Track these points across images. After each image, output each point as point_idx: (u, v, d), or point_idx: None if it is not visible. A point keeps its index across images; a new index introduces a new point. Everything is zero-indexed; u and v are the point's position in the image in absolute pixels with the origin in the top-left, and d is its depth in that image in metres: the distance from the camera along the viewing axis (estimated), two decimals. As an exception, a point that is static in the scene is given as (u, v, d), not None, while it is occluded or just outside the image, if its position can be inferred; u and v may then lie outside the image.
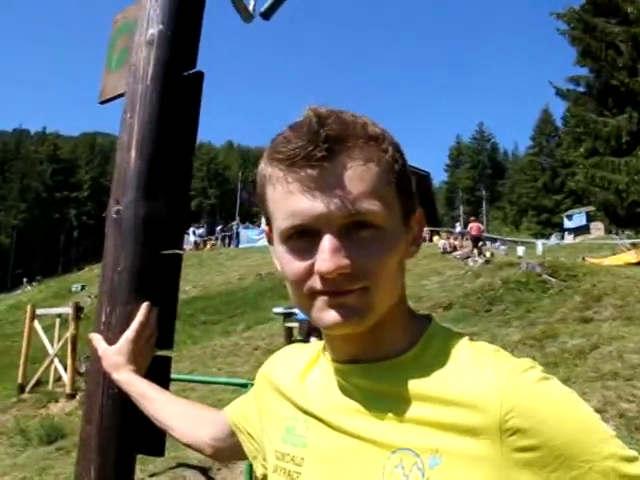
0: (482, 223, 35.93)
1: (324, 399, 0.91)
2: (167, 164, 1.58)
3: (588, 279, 12.79)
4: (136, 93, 1.60)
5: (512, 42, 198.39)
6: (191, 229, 41.57)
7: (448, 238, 28.36)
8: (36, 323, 12.39)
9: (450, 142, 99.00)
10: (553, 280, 13.34)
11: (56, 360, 11.57)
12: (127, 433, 1.48)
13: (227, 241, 39.93)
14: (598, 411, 3.63)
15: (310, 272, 0.81)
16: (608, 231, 33.01)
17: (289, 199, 0.81)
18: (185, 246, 37.23)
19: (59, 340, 11.69)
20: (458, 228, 36.49)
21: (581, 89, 26.11)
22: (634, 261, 19.54)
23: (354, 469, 0.82)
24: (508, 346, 9.15)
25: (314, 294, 0.82)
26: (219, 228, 44.16)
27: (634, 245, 22.86)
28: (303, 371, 0.99)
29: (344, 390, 0.89)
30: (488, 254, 22.82)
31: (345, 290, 0.80)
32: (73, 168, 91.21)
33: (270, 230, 0.91)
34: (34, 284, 45.47)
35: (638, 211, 22.14)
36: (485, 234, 33.58)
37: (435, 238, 31.11)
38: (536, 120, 79.31)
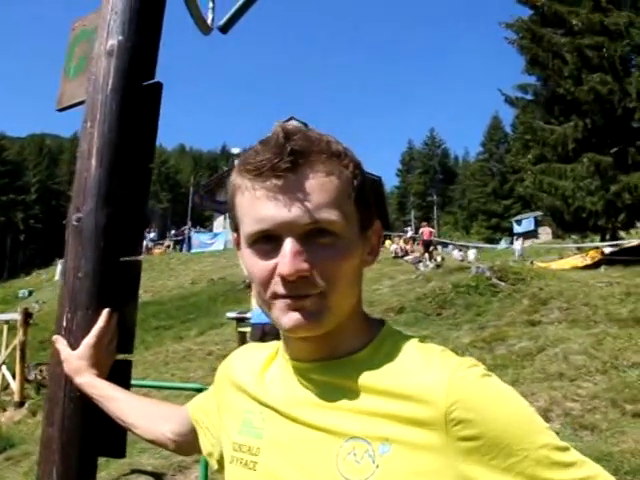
0: (433, 228, 36.40)
1: (281, 393, 0.96)
2: (127, 172, 1.62)
3: (535, 283, 13.13)
4: (96, 103, 1.63)
5: (463, 49, 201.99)
6: (142, 233, 41.02)
7: (400, 243, 28.66)
8: (-17, 330, 12.11)
9: (402, 147, 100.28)
10: (502, 284, 13.63)
11: (4, 368, 11.31)
12: (89, 435, 1.51)
13: (179, 245, 39.53)
14: (545, 410, 3.77)
15: (273, 273, 0.87)
16: (556, 235, 33.79)
17: (256, 206, 0.88)
18: (136, 251, 36.79)
19: (7, 347, 11.44)
20: (409, 232, 36.91)
21: (529, 97, 26.67)
22: (580, 265, 20.11)
23: (309, 456, 0.88)
24: (459, 348, 9.33)
25: (276, 297, 0.88)
26: (172, 232, 43.68)
27: (580, 249, 23.52)
28: (262, 368, 1.04)
29: (301, 385, 0.94)
30: (439, 258, 23.18)
31: (304, 294, 0.86)
32: (20, 170, 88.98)
33: (238, 236, 0.96)
34: (-21, 289, 44.20)
35: (583, 216, 22.71)
36: (436, 239, 34.09)
37: (387, 242, 31.38)
38: (486, 126, 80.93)
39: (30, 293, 31.02)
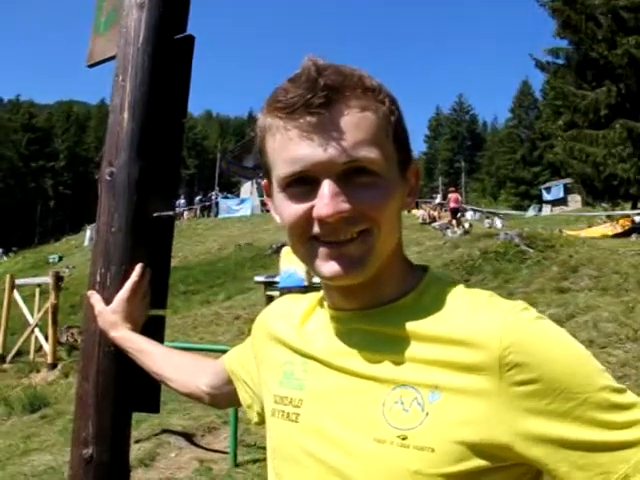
0: (461, 194, 36.04)
1: (324, 343, 0.94)
2: (159, 126, 1.60)
3: (565, 250, 12.96)
4: (128, 56, 1.61)
5: (492, 13, 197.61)
6: (170, 199, 41.24)
7: (427, 209, 28.48)
8: (15, 293, 12.33)
9: (430, 113, 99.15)
10: (531, 251, 13.50)
11: (37, 330, 11.53)
12: (123, 390, 1.52)
13: (206, 211, 39.72)
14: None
15: (309, 217, 0.84)
16: (586, 203, 33.31)
17: (289, 146, 0.83)
18: (164, 217, 37.08)
19: (39, 310, 11.64)
20: (437, 199, 36.62)
21: (560, 61, 26.08)
22: (610, 233, 19.80)
23: (354, 405, 0.85)
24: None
25: (314, 243, 0.85)
26: (198, 198, 43.88)
27: (610, 217, 23.17)
28: (301, 319, 1.02)
29: (343, 335, 0.92)
30: (467, 225, 23.00)
31: (345, 239, 0.83)
32: (49, 137, 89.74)
33: (269, 182, 0.93)
34: (10, 255, 44.99)
35: (614, 184, 22.34)
36: (464, 205, 33.81)
37: (414, 211, 31.23)
38: (516, 92, 79.49)
39: (60, 258, 31.46)
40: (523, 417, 0.76)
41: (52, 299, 11.00)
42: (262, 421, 1.07)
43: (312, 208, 0.83)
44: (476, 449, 0.77)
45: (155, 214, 1.58)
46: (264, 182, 0.96)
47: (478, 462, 0.77)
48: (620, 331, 7.33)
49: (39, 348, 11.51)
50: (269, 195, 0.95)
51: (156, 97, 1.59)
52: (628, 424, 0.75)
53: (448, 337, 0.82)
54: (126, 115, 1.57)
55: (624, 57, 21.41)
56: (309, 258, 0.87)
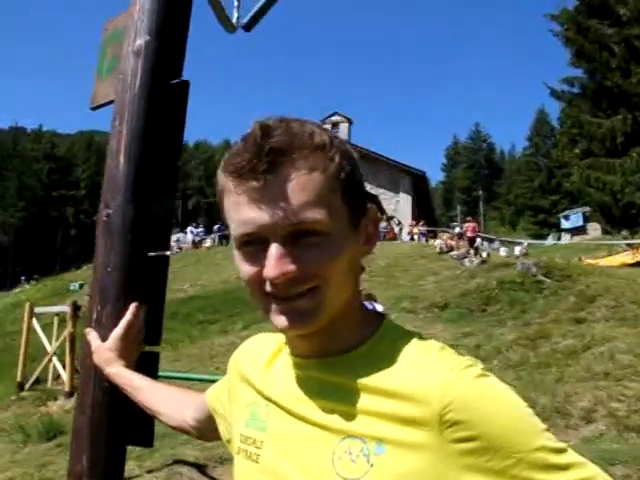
0: (479, 223, 35.92)
1: (284, 387, 0.97)
2: (154, 169, 1.66)
3: (582, 280, 12.87)
4: (124, 101, 1.68)
5: (508, 42, 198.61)
6: (189, 228, 41.55)
7: (445, 238, 28.40)
8: (34, 321, 12.48)
9: (447, 142, 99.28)
10: (548, 281, 13.42)
11: (55, 358, 11.65)
12: (117, 424, 1.56)
13: (225, 240, 39.92)
14: (589, 411, 3.70)
15: (261, 276, 0.87)
16: (605, 232, 33.06)
17: (239, 209, 0.87)
18: (183, 245, 37.33)
19: (57, 338, 11.76)
20: (457, 229, 36.54)
21: (575, 90, 26.22)
22: (630, 262, 19.63)
23: (308, 452, 0.89)
24: (502, 346, 9.25)
25: (268, 298, 0.89)
26: (216, 227, 44.15)
27: (630, 246, 22.97)
28: (267, 361, 1.05)
29: (301, 381, 0.95)
30: (484, 254, 22.90)
31: (295, 294, 0.87)
32: (70, 166, 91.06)
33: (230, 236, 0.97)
34: (32, 282, 45.49)
35: (633, 212, 22.21)
36: (481, 234, 33.66)
37: (431, 240, 31.20)
38: (532, 120, 79.55)
39: (81, 286, 31.69)
40: (461, 473, 0.78)
41: (69, 328, 11.12)
42: None
43: (262, 269, 0.86)
44: None
45: (150, 254, 1.63)
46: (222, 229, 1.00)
47: None
48: (637, 363, 7.25)
49: (57, 376, 11.61)
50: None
51: (151, 140, 1.65)
52: None
53: (394, 391, 0.84)
54: (122, 158, 1.63)
55: (638, 85, 21.41)
56: (264, 311, 0.91)
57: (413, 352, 0.89)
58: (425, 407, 0.81)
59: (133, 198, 1.61)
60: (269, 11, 1.85)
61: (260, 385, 1.03)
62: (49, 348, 11.84)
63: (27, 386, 11.59)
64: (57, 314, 12.57)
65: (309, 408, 0.92)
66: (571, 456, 0.80)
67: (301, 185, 0.85)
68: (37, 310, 13.05)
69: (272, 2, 1.82)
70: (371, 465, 0.82)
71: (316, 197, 0.86)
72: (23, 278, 49.38)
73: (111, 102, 1.83)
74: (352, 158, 0.93)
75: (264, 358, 1.06)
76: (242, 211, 0.87)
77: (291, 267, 0.85)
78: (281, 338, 1.07)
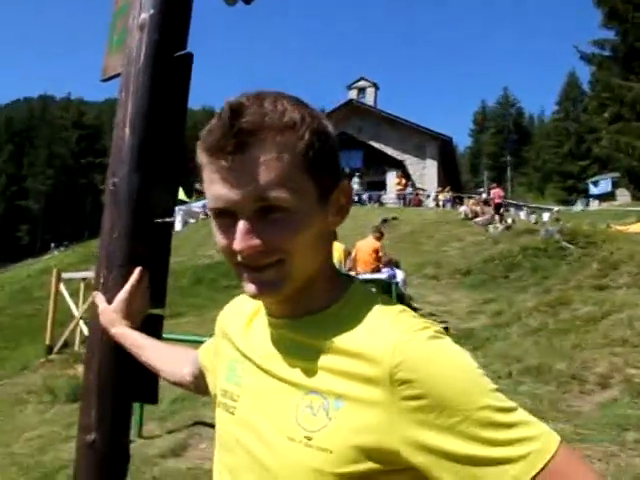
0: (505, 189, 35.55)
1: (259, 345, 1.05)
2: (159, 140, 1.73)
3: (607, 246, 12.76)
4: (130, 75, 1.74)
5: (537, 3, 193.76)
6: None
7: (470, 204, 28.22)
8: (62, 287, 12.74)
9: (475, 107, 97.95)
10: (571, 247, 13.35)
11: (81, 322, 11.90)
12: (122, 382, 1.66)
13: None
14: (604, 377, 3.75)
15: (232, 248, 0.94)
16: (634, 197, 32.53)
17: (211, 185, 0.94)
18: (209, 211, 37.51)
19: (84, 303, 12.01)
20: (484, 195, 36.20)
21: (606, 53, 25.54)
22: (659, 228, 19.34)
23: (275, 405, 0.97)
24: (523, 312, 9.27)
25: (239, 267, 0.96)
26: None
27: (658, 212, 22.61)
28: (247, 320, 1.13)
29: (273, 339, 1.03)
30: (509, 220, 22.76)
31: (262, 265, 0.94)
32: (98, 134, 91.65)
33: None
34: (62, 249, 46.18)
35: (663, 177, 21.83)
36: (509, 200, 33.33)
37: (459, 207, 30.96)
38: (562, 84, 77.99)
39: (108, 252, 32.05)
40: (411, 428, 0.84)
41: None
42: None
43: (233, 242, 0.93)
44: (369, 453, 0.87)
45: (155, 220, 1.71)
46: None
47: (370, 465, 0.87)
48: (656, 329, 7.22)
49: (84, 340, 11.87)
50: None
51: (155, 112, 1.72)
52: (507, 442, 0.81)
53: (354, 351, 0.91)
54: (127, 130, 1.70)
55: (673, 48, 20.85)
56: (238, 278, 0.98)
57: (374, 314, 0.95)
58: (379, 366, 0.87)
59: (138, 167, 1.69)
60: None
61: (239, 342, 1.11)
62: (76, 312, 12.09)
63: (55, 349, 11.85)
64: (84, 279, 12.79)
65: (278, 364, 0.99)
66: (518, 415, 0.84)
67: (267, 165, 0.90)
68: (64, 275, 13.30)
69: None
70: (330, 419, 0.89)
71: (281, 176, 0.90)
72: (53, 245, 50.13)
73: (120, 74, 1.90)
74: (324, 134, 0.97)
75: (244, 317, 1.15)
76: (214, 187, 0.93)
77: (256, 241, 0.91)
78: None
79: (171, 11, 1.77)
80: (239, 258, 0.94)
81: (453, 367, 0.87)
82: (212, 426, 4.30)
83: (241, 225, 0.92)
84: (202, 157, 0.96)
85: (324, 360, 0.94)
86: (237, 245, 0.92)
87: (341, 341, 0.93)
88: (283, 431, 0.94)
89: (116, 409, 1.66)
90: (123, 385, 1.66)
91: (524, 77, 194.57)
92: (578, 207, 38.47)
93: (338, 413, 0.89)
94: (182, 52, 1.79)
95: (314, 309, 1.00)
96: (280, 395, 0.97)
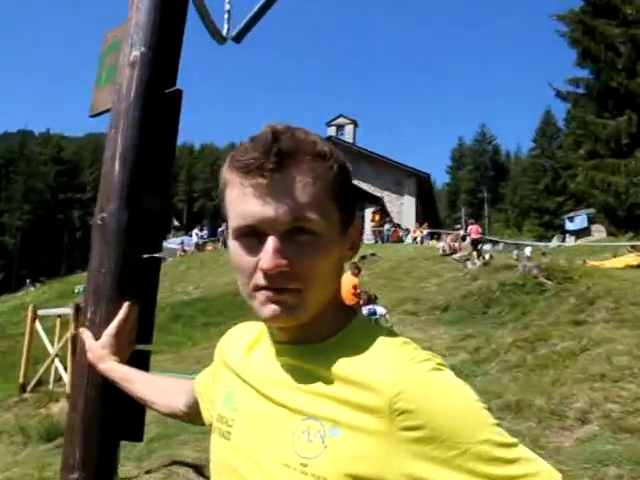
0: (483, 226, 35.89)
1: (259, 371, 1.05)
2: (148, 175, 1.74)
3: (584, 282, 12.87)
4: (120, 111, 1.76)
5: (513, 43, 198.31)
6: (194, 231, 41.64)
7: (448, 240, 28.39)
8: (37, 324, 12.54)
9: (452, 144, 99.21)
10: (549, 283, 13.44)
11: (57, 360, 11.70)
12: (109, 420, 1.64)
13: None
14: (584, 412, 3.76)
15: (255, 267, 0.94)
16: (609, 233, 33.01)
17: (242, 202, 0.94)
18: (187, 248, 37.38)
19: (60, 340, 11.83)
20: (461, 231, 36.45)
21: (581, 91, 26.23)
22: (634, 263, 19.58)
23: (272, 431, 0.96)
24: (501, 348, 9.27)
25: (257, 289, 0.96)
26: (221, 229, 44.15)
27: (634, 247, 22.92)
28: (248, 346, 1.14)
29: (275, 365, 1.03)
30: (487, 256, 22.90)
31: (282, 287, 0.94)
32: (77, 169, 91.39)
33: (227, 227, 1.04)
34: (37, 285, 45.58)
35: (638, 213, 22.21)
36: (486, 236, 33.60)
37: (433, 242, 31.18)
38: (538, 122, 79.43)
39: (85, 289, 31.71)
40: (409, 459, 0.84)
41: (72, 330, 11.16)
42: None
43: (258, 261, 0.94)
44: None
45: (143, 256, 1.71)
46: (224, 226, 1.08)
47: None
48: (634, 364, 7.26)
49: (59, 378, 11.68)
50: (227, 238, 1.05)
51: (145, 148, 1.73)
52: (508, 478, 0.81)
53: (352, 378, 0.91)
54: (117, 165, 1.72)
55: (644, 86, 21.43)
56: (252, 300, 0.98)
57: (377, 345, 0.95)
58: (378, 395, 0.87)
59: (127, 203, 1.70)
60: (258, 22, 1.92)
61: (238, 369, 1.11)
62: (51, 350, 11.90)
63: (29, 388, 11.63)
64: (59, 316, 12.62)
65: (277, 389, 0.99)
66: (519, 451, 0.84)
67: (303, 187, 0.93)
68: (40, 312, 13.11)
69: (261, 14, 1.90)
70: (325, 446, 0.89)
71: (315, 200, 0.94)
72: (28, 281, 49.40)
73: (109, 110, 1.92)
74: (347, 170, 1.02)
75: (245, 344, 1.15)
76: (245, 204, 0.94)
77: (284, 261, 0.92)
78: (263, 326, 1.15)
79: (162, 49, 1.80)
80: (260, 280, 0.94)
81: (453, 399, 0.87)
82: (190, 465, 4.22)
83: (272, 242, 0.92)
84: (232, 175, 0.97)
85: (324, 387, 0.94)
86: (266, 263, 0.92)
87: (342, 369, 0.94)
88: (279, 457, 0.93)
89: (102, 448, 1.63)
90: (109, 423, 1.64)
91: (501, 114, 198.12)
92: (555, 243, 38.89)
93: (334, 440, 0.89)
94: (172, 89, 1.81)
95: (319, 337, 1.01)
96: (277, 420, 0.97)
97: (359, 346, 0.96)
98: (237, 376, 1.11)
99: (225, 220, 1.03)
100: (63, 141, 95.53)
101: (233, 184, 0.97)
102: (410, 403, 0.85)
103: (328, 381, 0.94)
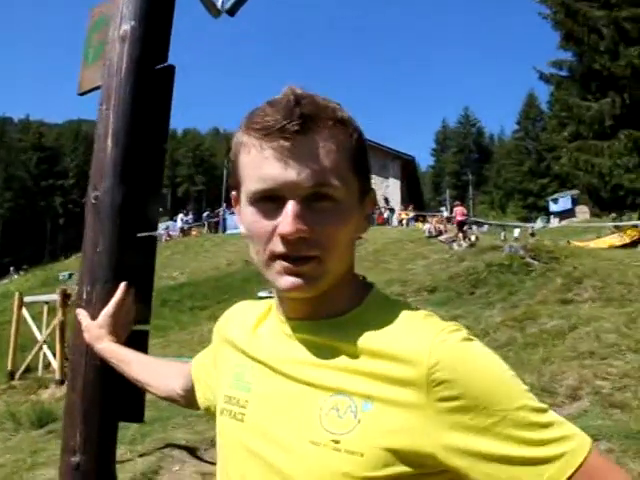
0: (468, 208, 36.09)
1: (272, 349, 1.02)
2: (141, 152, 1.70)
3: (570, 261, 12.96)
4: (111, 87, 1.72)
5: (496, 26, 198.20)
6: (179, 216, 41.44)
7: (433, 222, 28.50)
8: (24, 311, 12.46)
9: (436, 126, 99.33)
10: (536, 263, 13.51)
11: (45, 347, 11.65)
12: (108, 401, 1.62)
13: (214, 227, 39.85)
14: (574, 389, 3.78)
15: (273, 233, 0.91)
16: (593, 214, 33.29)
17: (262, 165, 0.90)
18: (172, 233, 37.23)
19: (47, 327, 11.77)
20: (445, 213, 36.61)
21: (564, 73, 26.28)
22: (618, 244, 19.77)
23: (294, 409, 0.93)
24: (490, 327, 9.33)
25: (274, 257, 0.92)
26: (205, 214, 44.02)
27: (617, 228, 23.14)
28: (254, 324, 1.10)
29: (291, 343, 0.99)
30: (473, 238, 23.01)
31: (302, 256, 0.90)
32: (58, 156, 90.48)
33: (237, 193, 1.00)
34: (21, 273, 45.27)
35: (621, 194, 22.40)
36: (471, 218, 33.79)
37: (419, 224, 31.29)
38: (522, 104, 79.66)
39: (70, 276, 31.52)
40: (446, 430, 0.83)
41: (59, 316, 11.12)
42: None
43: (276, 227, 0.90)
44: (401, 456, 0.85)
45: (138, 235, 1.68)
46: (233, 193, 1.03)
47: (403, 468, 0.85)
48: (622, 342, 7.33)
49: (47, 365, 11.62)
50: (236, 204, 1.03)
51: (138, 125, 1.69)
52: (544, 442, 0.81)
53: (383, 352, 0.89)
54: (109, 142, 1.68)
55: (627, 68, 21.56)
56: (267, 270, 0.94)
57: (400, 317, 0.93)
58: (413, 367, 0.85)
59: (121, 180, 1.66)
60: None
61: (246, 347, 1.07)
62: (39, 337, 11.82)
63: (18, 375, 11.57)
64: (47, 303, 12.53)
65: (296, 367, 0.96)
66: (552, 415, 0.85)
67: (325, 151, 0.90)
68: (26, 299, 13.00)
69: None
70: (358, 421, 0.87)
71: (337, 166, 0.91)
72: (12, 269, 49.09)
73: (98, 88, 1.87)
74: (364, 139, 0.99)
75: (251, 322, 1.11)
76: (264, 167, 0.90)
77: (304, 227, 0.89)
78: (267, 302, 1.12)
79: (153, 23, 1.76)
80: (279, 246, 0.91)
81: (489, 367, 0.87)
82: (184, 448, 4.21)
83: (292, 207, 0.89)
84: (248, 138, 0.93)
85: (351, 362, 0.91)
86: (286, 227, 0.88)
87: (369, 343, 0.91)
88: (304, 435, 0.91)
89: (102, 430, 1.61)
90: (109, 405, 1.62)
91: (484, 97, 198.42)
92: (539, 224, 39.17)
93: (367, 415, 0.87)
94: (164, 64, 1.77)
95: (335, 312, 0.98)
96: (300, 398, 0.93)
97: (382, 320, 0.94)
98: (245, 355, 1.07)
99: (236, 187, 0.99)
100: (43, 128, 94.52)
101: (249, 147, 0.93)
102: (448, 373, 0.84)
103: (354, 356, 0.92)
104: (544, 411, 0.85)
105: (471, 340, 0.89)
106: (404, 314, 0.94)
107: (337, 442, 0.87)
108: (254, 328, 1.10)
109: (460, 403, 0.83)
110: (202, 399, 1.25)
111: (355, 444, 0.86)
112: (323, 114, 0.91)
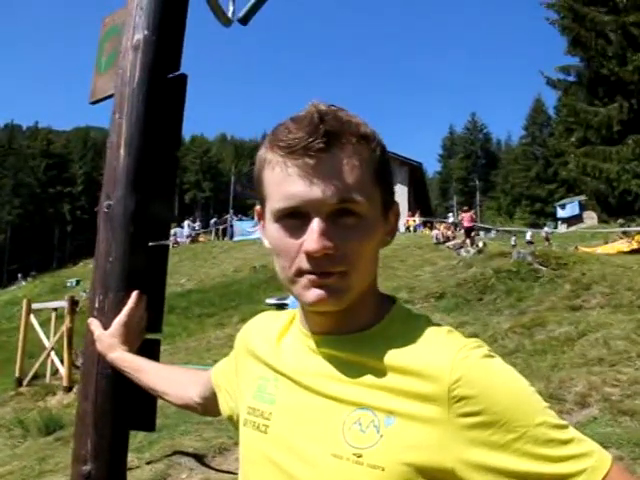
0: (475, 213, 36.00)
1: (295, 362, 1.02)
2: (154, 161, 1.71)
3: (578, 268, 12.92)
4: (124, 95, 1.72)
5: (503, 32, 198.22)
6: (186, 222, 41.54)
7: (441, 229, 28.47)
8: (32, 317, 12.49)
9: (443, 133, 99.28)
10: (544, 269, 13.47)
11: (53, 354, 11.67)
12: (120, 409, 1.62)
13: (221, 234, 39.92)
14: (583, 395, 3.75)
15: (299, 250, 0.91)
16: (601, 220, 33.17)
17: (286, 182, 0.91)
18: (180, 239, 37.32)
19: (55, 334, 11.79)
20: (451, 219, 36.56)
21: (571, 78, 26.33)
22: (626, 249, 19.69)
23: (317, 423, 0.94)
24: (498, 334, 9.30)
25: (300, 273, 0.92)
26: (213, 221, 44.10)
27: (625, 234, 23.05)
28: (278, 336, 1.10)
29: (315, 357, 1.00)
30: (480, 244, 22.96)
31: (327, 271, 0.91)
32: (66, 163, 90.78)
33: (262, 209, 1.01)
34: (29, 279, 45.45)
35: (629, 199, 22.32)
36: (478, 224, 33.71)
37: (427, 231, 31.23)
38: (529, 110, 79.55)
39: (77, 282, 31.71)
40: (467, 446, 0.84)
41: (67, 323, 11.15)
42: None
43: (302, 244, 0.91)
44: (422, 471, 0.85)
45: (150, 244, 1.68)
46: (257, 207, 1.04)
47: None
48: (631, 348, 7.30)
49: (55, 371, 11.65)
50: (260, 220, 1.03)
51: (150, 133, 1.70)
52: (564, 458, 0.82)
53: (406, 368, 0.89)
54: (122, 151, 1.68)
55: (635, 73, 21.55)
56: (293, 285, 0.95)
57: (423, 333, 0.94)
58: (435, 383, 0.86)
59: (133, 189, 1.66)
60: (264, 4, 1.88)
61: (270, 359, 1.07)
62: (47, 344, 11.85)
63: (25, 382, 11.59)
64: (55, 309, 12.58)
65: (321, 381, 0.96)
66: (572, 432, 0.85)
67: (349, 168, 0.91)
68: (35, 306, 13.05)
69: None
70: (381, 436, 0.87)
71: (360, 182, 0.92)
72: (20, 275, 49.31)
73: (110, 96, 1.88)
74: (387, 153, 1.00)
75: (274, 334, 1.11)
76: (290, 185, 0.91)
77: (330, 243, 0.89)
78: (290, 314, 1.12)
79: (165, 32, 1.76)
80: (304, 263, 0.91)
81: (510, 384, 0.87)
82: (192, 455, 4.20)
83: (317, 224, 0.90)
84: (273, 155, 0.94)
85: (373, 377, 0.92)
86: (312, 244, 0.89)
87: (392, 359, 0.92)
88: (327, 448, 0.91)
89: (113, 439, 1.61)
90: (120, 413, 1.62)
91: (491, 103, 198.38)
92: (546, 230, 39.04)
93: (390, 430, 0.87)
94: (177, 73, 1.78)
95: (359, 326, 0.98)
96: (324, 412, 0.94)
97: (405, 335, 0.94)
98: (268, 367, 1.07)
99: (261, 202, 1.00)
100: (51, 135, 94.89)
101: (274, 164, 0.93)
102: (469, 389, 0.84)
103: (378, 371, 0.92)
104: (564, 428, 0.85)
105: (492, 357, 0.90)
106: (427, 330, 0.95)
107: (359, 456, 0.88)
108: (278, 340, 1.10)
109: (481, 419, 0.83)
110: (224, 406, 1.24)
111: (377, 458, 0.87)
112: (347, 130, 0.92)
